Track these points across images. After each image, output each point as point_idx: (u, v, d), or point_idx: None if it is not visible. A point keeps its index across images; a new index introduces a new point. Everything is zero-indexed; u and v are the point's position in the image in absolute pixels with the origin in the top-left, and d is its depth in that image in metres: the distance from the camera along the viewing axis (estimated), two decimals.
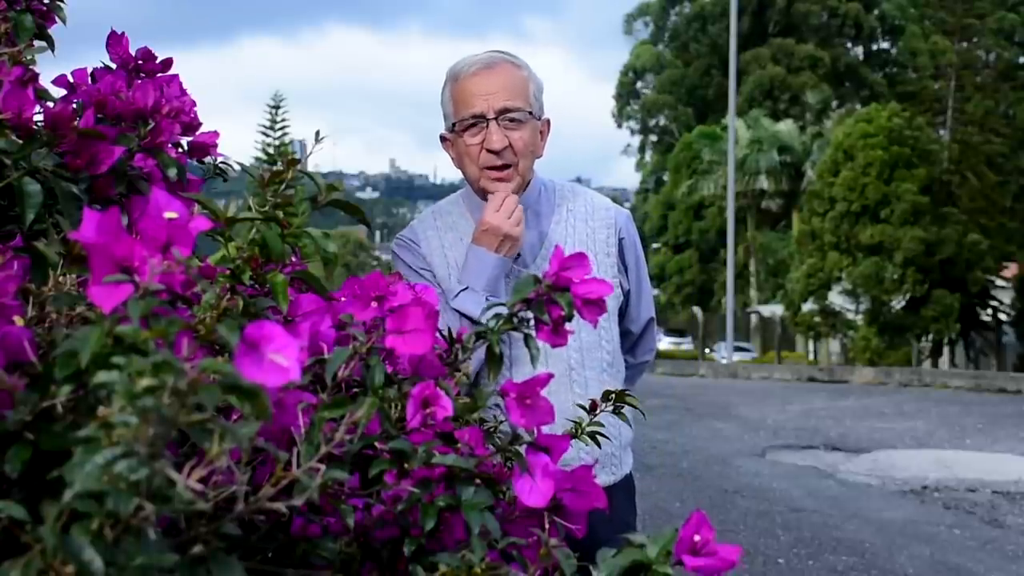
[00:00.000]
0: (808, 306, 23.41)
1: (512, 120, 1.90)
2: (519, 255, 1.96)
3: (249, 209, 1.00)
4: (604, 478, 1.97)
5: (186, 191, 1.11)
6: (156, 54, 1.33)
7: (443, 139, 2.03)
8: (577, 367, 1.93)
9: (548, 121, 2.02)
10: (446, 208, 2.07)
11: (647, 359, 2.21)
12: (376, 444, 0.89)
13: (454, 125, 1.95)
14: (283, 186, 1.02)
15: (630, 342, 2.13)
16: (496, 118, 1.89)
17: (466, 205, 2.04)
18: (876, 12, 36.19)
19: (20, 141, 1.02)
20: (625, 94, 38.62)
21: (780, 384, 16.82)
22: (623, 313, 2.10)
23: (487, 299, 1.83)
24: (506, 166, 1.92)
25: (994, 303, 23.46)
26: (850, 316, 23.29)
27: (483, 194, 1.97)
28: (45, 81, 1.22)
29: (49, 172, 1.03)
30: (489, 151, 1.90)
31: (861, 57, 37.40)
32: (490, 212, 1.86)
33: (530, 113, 1.93)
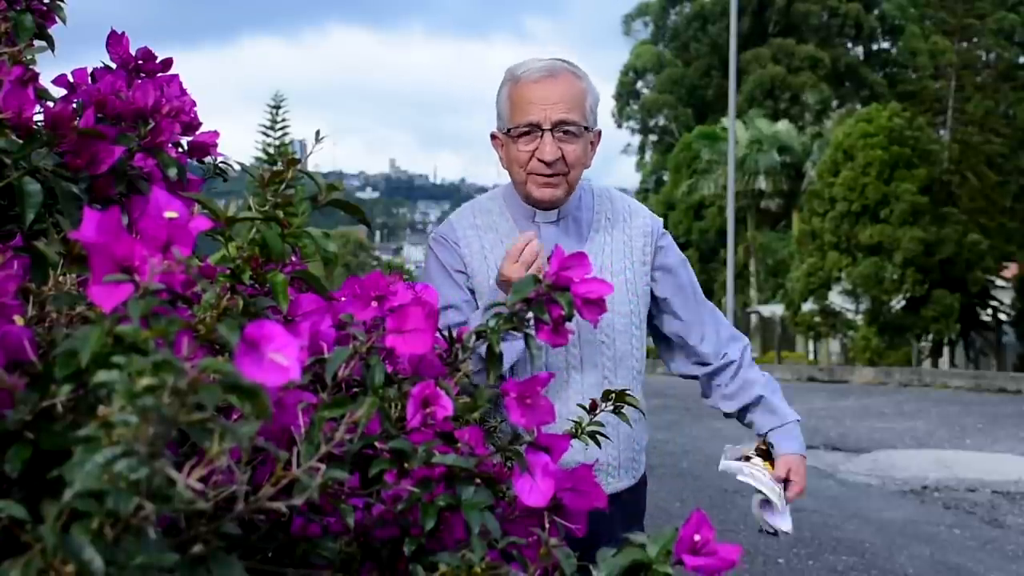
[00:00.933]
0: (808, 306, 23.41)
1: (567, 133, 1.89)
2: None
3: (249, 209, 1.00)
4: (628, 481, 2.01)
5: (186, 191, 1.11)
6: (156, 54, 1.33)
7: (493, 137, 2.01)
8: (610, 375, 1.94)
9: (599, 132, 2.01)
10: (486, 206, 2.05)
11: (739, 346, 2.15)
12: (376, 444, 0.89)
13: (509, 130, 1.93)
14: (283, 186, 1.02)
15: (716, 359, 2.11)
16: (551, 129, 1.88)
17: (507, 204, 2.02)
18: (876, 12, 36.19)
19: (20, 141, 1.02)
20: (625, 94, 38.61)
21: (780, 384, 16.77)
22: (678, 336, 2.08)
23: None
24: (556, 174, 1.91)
25: (994, 303, 23.45)
26: (850, 316, 23.29)
27: (527, 198, 1.96)
28: (46, 81, 1.23)
29: (49, 172, 1.03)
30: (540, 160, 1.89)
31: (861, 57, 37.38)
32: (507, 264, 1.80)
33: (585, 128, 1.92)
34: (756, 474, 2.04)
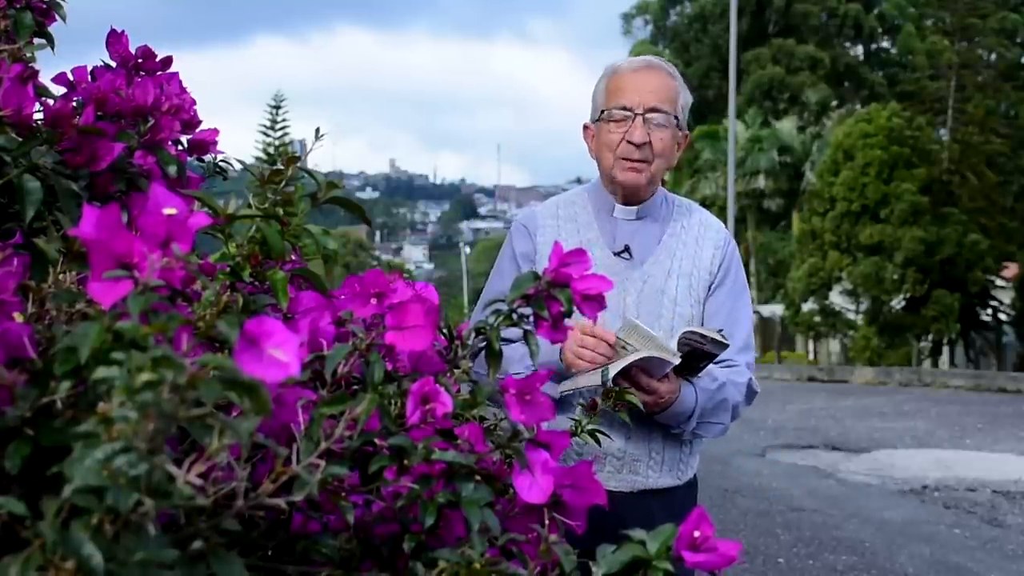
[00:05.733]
0: (808, 306, 23.40)
1: (657, 121, 1.98)
2: (631, 255, 2.02)
3: (249, 207, 1.00)
4: (669, 480, 1.99)
5: (186, 188, 1.11)
6: (156, 52, 1.33)
7: (585, 128, 2.10)
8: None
9: (687, 136, 2.13)
10: (571, 199, 2.15)
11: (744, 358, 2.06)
12: (376, 440, 0.89)
13: (602, 113, 2.02)
14: (283, 184, 1.02)
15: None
16: (643, 114, 1.97)
17: (590, 198, 2.11)
18: (876, 12, 36.18)
19: (20, 138, 1.02)
20: None
21: (780, 384, 16.81)
22: None
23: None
24: (642, 160, 1.99)
25: (994, 303, 23.44)
26: (850, 316, 23.28)
27: (612, 186, 2.04)
28: (46, 79, 1.23)
29: (49, 169, 1.03)
30: (630, 143, 1.97)
31: (861, 57, 37.38)
32: (569, 343, 1.82)
33: (676, 119, 2.01)
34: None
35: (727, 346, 1.81)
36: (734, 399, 1.97)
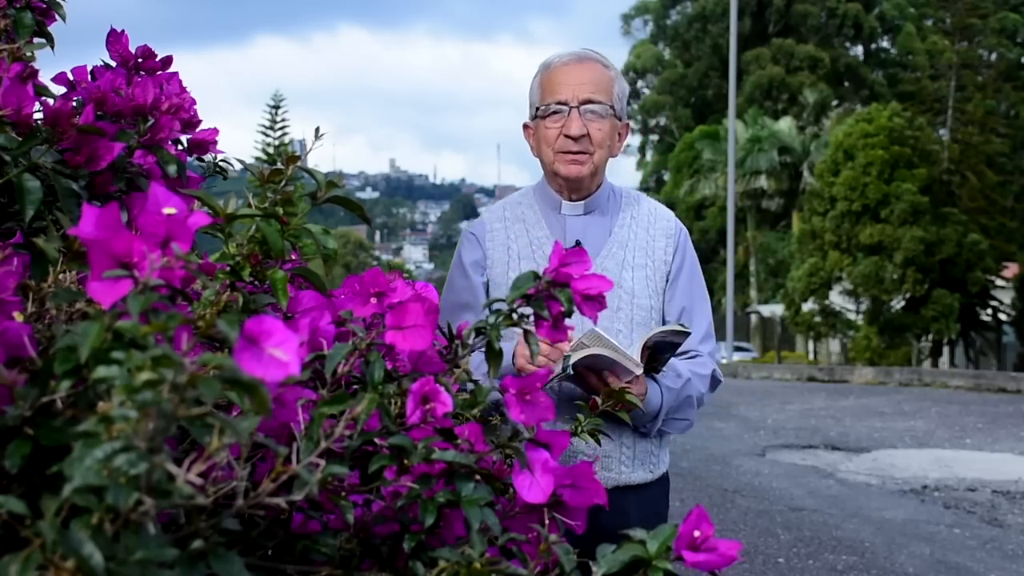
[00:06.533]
0: (808, 306, 23.40)
1: (593, 112, 1.98)
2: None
3: (249, 206, 1.00)
4: (642, 474, 1.99)
5: (185, 188, 1.11)
6: (156, 52, 1.33)
7: (525, 127, 2.11)
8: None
9: (627, 125, 2.11)
10: (517, 200, 2.15)
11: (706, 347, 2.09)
12: (376, 440, 0.89)
13: (538, 110, 2.02)
14: (283, 183, 1.02)
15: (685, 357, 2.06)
16: (578, 107, 1.97)
17: (536, 196, 2.11)
18: (876, 12, 36.18)
19: (20, 137, 1.02)
20: None
21: (780, 384, 16.81)
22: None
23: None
24: (582, 152, 1.99)
25: (994, 303, 23.45)
26: (850, 316, 23.28)
27: (556, 181, 2.04)
28: (47, 79, 1.23)
29: (49, 168, 1.02)
30: (567, 136, 1.97)
31: (861, 57, 37.38)
32: (520, 352, 1.83)
33: (612, 109, 2.00)
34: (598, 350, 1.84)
35: (689, 333, 1.83)
36: (698, 392, 2.00)
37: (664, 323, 2.04)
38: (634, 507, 1.93)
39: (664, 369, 1.91)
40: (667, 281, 2.05)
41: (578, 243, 2.02)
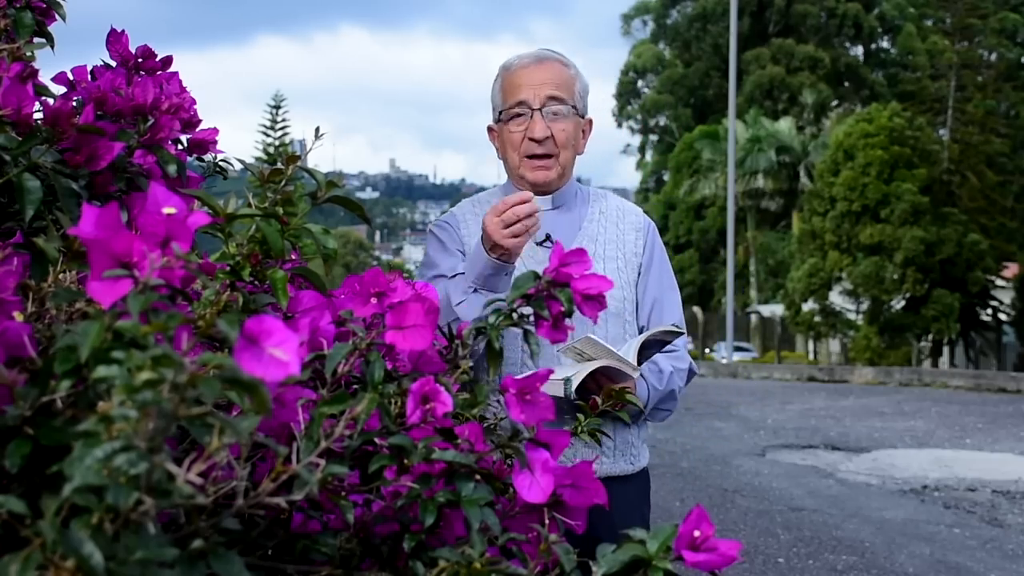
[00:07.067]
0: (808, 306, 23.41)
1: (556, 112, 1.97)
2: (553, 244, 1.97)
3: (249, 206, 1.00)
4: (623, 466, 2.00)
5: (185, 187, 1.11)
6: (156, 51, 1.33)
7: (490, 130, 2.10)
8: None
9: (591, 121, 2.10)
10: (485, 197, 2.15)
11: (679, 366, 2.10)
12: (376, 440, 0.89)
13: (500, 114, 2.02)
14: (283, 183, 1.02)
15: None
16: (540, 108, 1.96)
17: (503, 194, 2.08)
18: (876, 12, 36.18)
19: (20, 137, 1.02)
20: (625, 93, 38.57)
21: (780, 384, 16.81)
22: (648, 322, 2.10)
23: (474, 290, 1.84)
24: (547, 155, 1.98)
25: (994, 303, 23.45)
26: (850, 316, 23.29)
27: (522, 183, 2.02)
28: (47, 79, 1.23)
29: (49, 168, 1.02)
30: (531, 139, 1.97)
31: (861, 57, 37.39)
32: (490, 215, 1.83)
33: (574, 108, 2.00)
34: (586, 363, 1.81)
35: (682, 333, 1.86)
36: (678, 386, 2.03)
37: (637, 313, 2.07)
38: (616, 501, 1.92)
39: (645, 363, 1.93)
40: (639, 274, 2.07)
41: (548, 236, 2.02)
